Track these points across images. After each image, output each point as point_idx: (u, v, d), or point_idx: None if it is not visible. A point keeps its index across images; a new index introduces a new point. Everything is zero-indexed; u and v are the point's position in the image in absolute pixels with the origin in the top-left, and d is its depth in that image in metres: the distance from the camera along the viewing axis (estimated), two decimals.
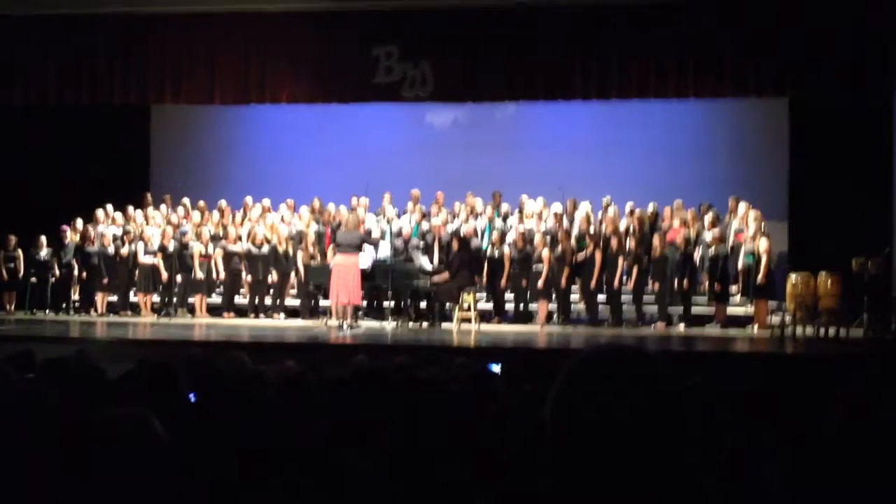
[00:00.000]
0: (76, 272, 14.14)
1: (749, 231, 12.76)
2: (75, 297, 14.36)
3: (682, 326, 12.72)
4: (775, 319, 12.10)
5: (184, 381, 4.43)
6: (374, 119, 15.68)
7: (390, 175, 15.05)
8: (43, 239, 14.24)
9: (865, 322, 11.57)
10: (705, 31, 12.82)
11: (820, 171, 13.50)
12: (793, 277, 11.76)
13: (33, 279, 14.21)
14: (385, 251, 13.46)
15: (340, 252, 12.35)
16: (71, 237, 14.32)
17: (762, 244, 12.37)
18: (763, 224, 12.86)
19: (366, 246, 12.77)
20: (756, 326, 12.33)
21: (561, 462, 1.38)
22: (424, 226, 14.01)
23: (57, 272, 14.19)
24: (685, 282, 12.66)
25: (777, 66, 12.69)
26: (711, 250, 12.71)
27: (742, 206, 13.37)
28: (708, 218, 13.22)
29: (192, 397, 4.19)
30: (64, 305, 14.24)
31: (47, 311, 14.16)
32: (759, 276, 12.22)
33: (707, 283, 12.91)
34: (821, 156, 13.51)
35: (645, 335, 12.14)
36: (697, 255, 13.02)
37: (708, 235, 12.92)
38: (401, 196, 14.68)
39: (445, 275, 12.85)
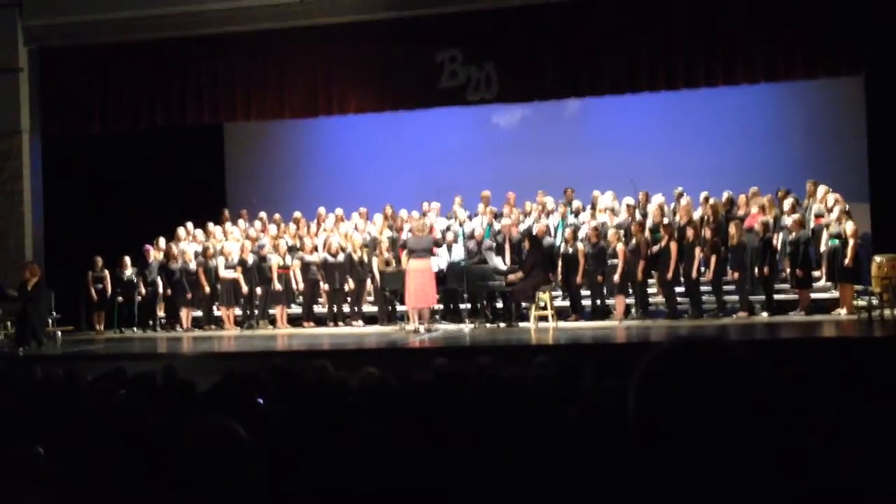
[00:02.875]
0: (161, 289, 14.54)
1: (833, 214, 12.43)
2: (161, 313, 14.76)
3: (765, 314, 12.44)
4: (860, 303, 11.77)
5: (269, 391, 4.53)
6: (440, 123, 15.75)
7: (460, 178, 15.13)
8: (127, 259, 14.69)
9: None
10: (773, 12, 12.52)
11: None
12: (878, 259, 11.42)
13: (120, 298, 14.67)
14: (459, 254, 13.52)
15: (414, 257, 12.54)
16: (154, 256, 14.73)
17: (848, 227, 12.04)
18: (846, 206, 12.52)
19: (437, 249, 12.90)
20: (843, 311, 12.00)
21: (646, 458, 1.37)
22: (496, 227, 14.01)
23: (142, 290, 14.61)
24: (766, 269, 12.38)
25: (849, 46, 12.31)
26: (792, 235, 12.41)
27: (821, 189, 13.02)
28: (787, 203, 12.91)
29: (275, 405, 4.28)
30: (151, 322, 14.66)
31: (135, 328, 14.62)
32: (847, 259, 11.90)
33: (789, 270, 12.60)
34: None
35: (727, 325, 11.92)
36: (777, 241, 12.72)
37: (787, 220, 12.62)
38: (471, 198, 14.72)
39: (519, 274, 12.82)
